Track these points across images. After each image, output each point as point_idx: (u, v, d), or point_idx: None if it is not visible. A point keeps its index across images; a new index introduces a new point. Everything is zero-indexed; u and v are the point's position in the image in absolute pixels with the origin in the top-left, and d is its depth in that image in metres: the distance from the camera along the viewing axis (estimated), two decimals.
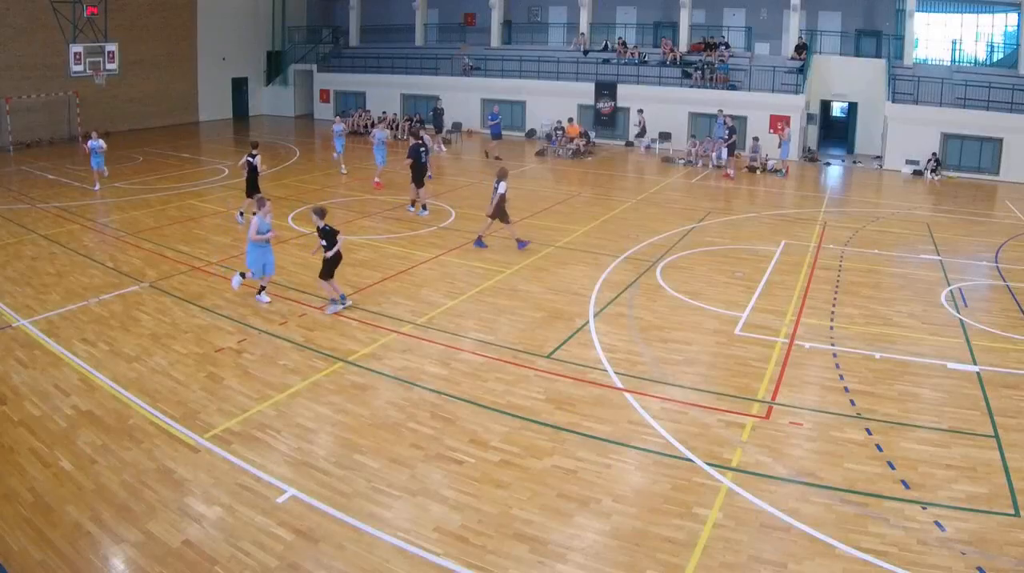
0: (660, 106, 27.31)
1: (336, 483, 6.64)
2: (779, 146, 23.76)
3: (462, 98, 29.58)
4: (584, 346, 9.69)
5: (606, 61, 29.27)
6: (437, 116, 28.33)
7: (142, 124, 30.42)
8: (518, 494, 6.54)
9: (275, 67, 37.60)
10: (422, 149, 16.46)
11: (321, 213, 10.56)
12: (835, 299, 11.68)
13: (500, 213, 13.67)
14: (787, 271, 13.04)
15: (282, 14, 36.78)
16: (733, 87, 26.80)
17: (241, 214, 15.65)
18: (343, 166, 21.97)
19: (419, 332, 10.05)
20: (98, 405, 7.92)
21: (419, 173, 16.33)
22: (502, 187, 13.39)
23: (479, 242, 14.09)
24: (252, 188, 15.24)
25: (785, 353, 9.57)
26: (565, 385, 8.61)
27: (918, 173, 23.54)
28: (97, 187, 18.55)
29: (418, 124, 29.42)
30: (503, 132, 28.36)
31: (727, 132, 23.40)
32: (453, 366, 9.09)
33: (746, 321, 10.65)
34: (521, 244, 13.92)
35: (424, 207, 16.69)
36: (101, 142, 18.51)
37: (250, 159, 15.25)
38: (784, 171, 23.16)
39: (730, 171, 22.76)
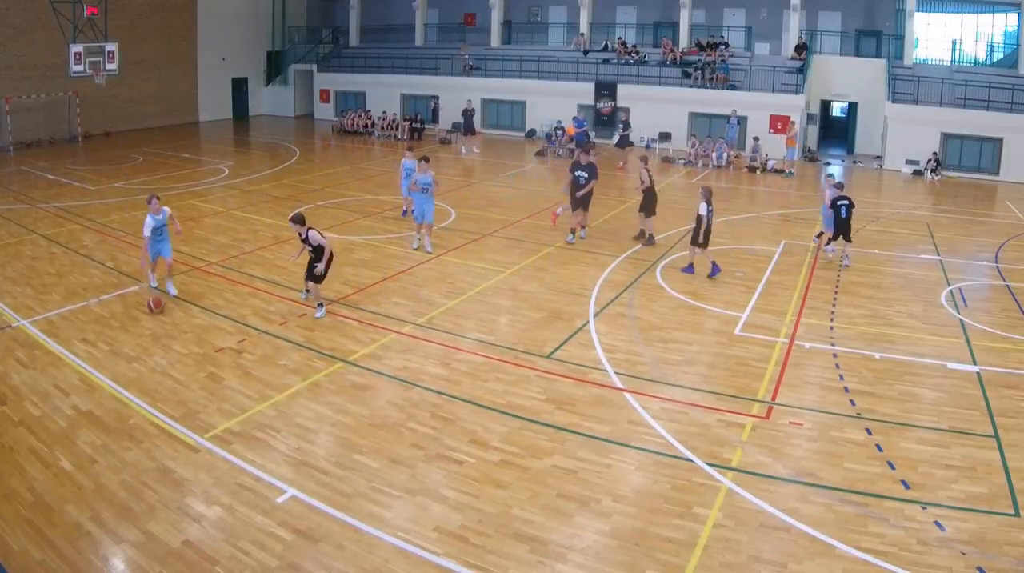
0: (660, 106, 27.32)
1: (336, 483, 6.64)
2: (786, 149, 23.82)
3: (462, 98, 29.59)
4: (584, 346, 9.69)
5: (606, 61, 29.28)
6: (467, 118, 28.28)
7: (142, 124, 30.42)
8: (518, 494, 6.54)
9: (275, 67, 37.59)
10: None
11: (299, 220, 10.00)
12: (835, 299, 11.67)
13: (703, 236, 12.41)
14: (787, 271, 13.04)
15: (282, 14, 36.78)
16: (733, 87, 26.80)
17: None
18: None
19: (419, 332, 10.05)
20: (98, 405, 7.92)
21: (587, 195, 14.37)
22: (703, 209, 12.22)
23: (688, 268, 12.79)
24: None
25: (785, 353, 9.57)
26: (565, 385, 8.61)
27: (918, 173, 23.54)
28: (156, 306, 10.50)
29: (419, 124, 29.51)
30: (502, 132, 28.46)
31: (621, 126, 24.31)
32: (453, 366, 9.08)
33: (746, 321, 10.65)
34: (715, 270, 12.54)
35: (574, 232, 14.70)
36: (167, 210, 11.09)
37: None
38: (791, 172, 23.28)
39: (621, 163, 23.53)
